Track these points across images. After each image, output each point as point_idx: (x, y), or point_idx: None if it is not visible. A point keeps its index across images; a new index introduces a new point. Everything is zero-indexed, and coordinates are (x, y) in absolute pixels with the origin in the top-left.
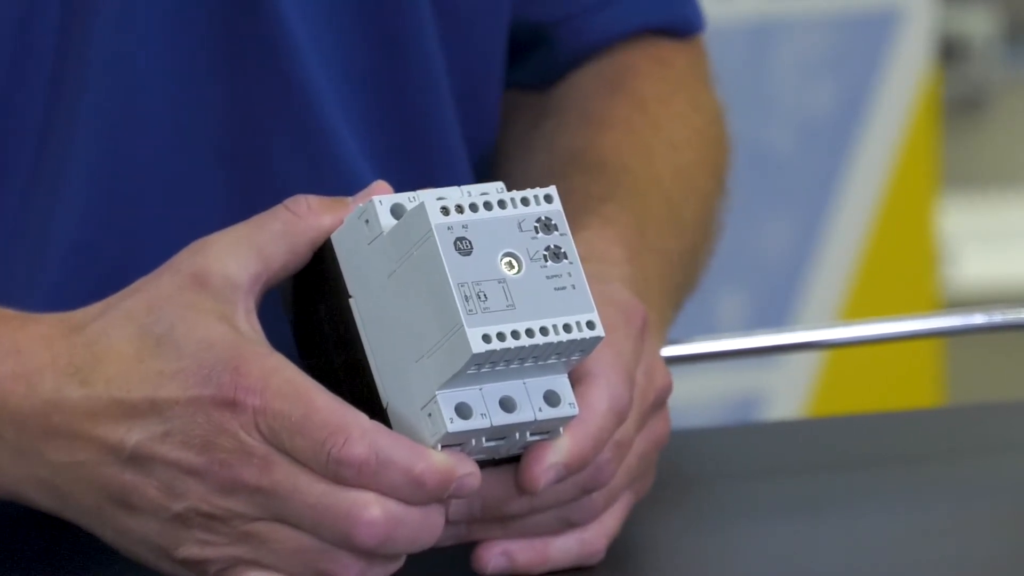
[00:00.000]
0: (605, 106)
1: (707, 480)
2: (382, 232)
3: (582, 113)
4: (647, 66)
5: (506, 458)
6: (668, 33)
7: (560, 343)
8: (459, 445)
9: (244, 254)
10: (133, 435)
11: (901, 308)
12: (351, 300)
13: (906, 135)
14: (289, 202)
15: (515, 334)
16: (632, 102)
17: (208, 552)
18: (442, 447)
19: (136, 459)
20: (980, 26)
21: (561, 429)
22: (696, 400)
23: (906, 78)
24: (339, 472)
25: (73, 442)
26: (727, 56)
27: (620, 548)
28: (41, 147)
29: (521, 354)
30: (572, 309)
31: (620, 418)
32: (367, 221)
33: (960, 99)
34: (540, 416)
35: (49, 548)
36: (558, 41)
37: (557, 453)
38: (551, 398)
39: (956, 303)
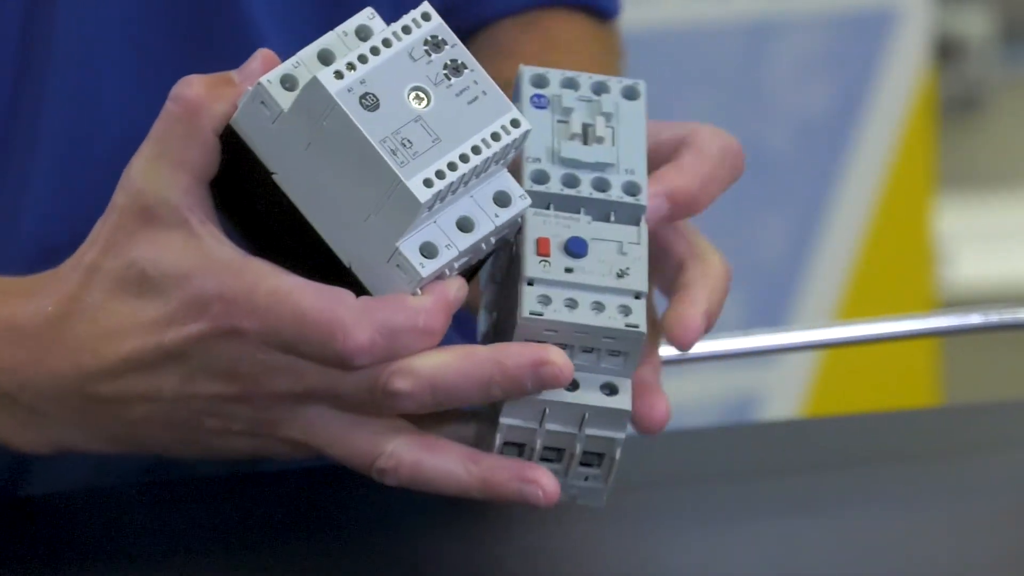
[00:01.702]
0: (515, 41)
1: (704, 480)
2: (283, 110)
3: (492, 47)
4: (562, 19)
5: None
6: (586, 11)
7: (495, 153)
8: (436, 279)
9: (166, 170)
10: (165, 382)
11: (898, 308)
12: (274, 176)
13: (903, 135)
14: (175, 94)
15: (451, 165)
16: (544, 39)
17: (282, 448)
18: (421, 288)
19: (179, 401)
20: (977, 26)
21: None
22: (693, 400)
23: (902, 78)
24: (353, 363)
25: (115, 405)
26: (724, 56)
27: (616, 548)
28: (4, 146)
29: (464, 179)
30: (492, 115)
31: (733, 164)
32: (263, 102)
33: (957, 99)
34: (498, 221)
35: (51, 548)
36: (467, 15)
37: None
38: (501, 199)
39: (953, 303)
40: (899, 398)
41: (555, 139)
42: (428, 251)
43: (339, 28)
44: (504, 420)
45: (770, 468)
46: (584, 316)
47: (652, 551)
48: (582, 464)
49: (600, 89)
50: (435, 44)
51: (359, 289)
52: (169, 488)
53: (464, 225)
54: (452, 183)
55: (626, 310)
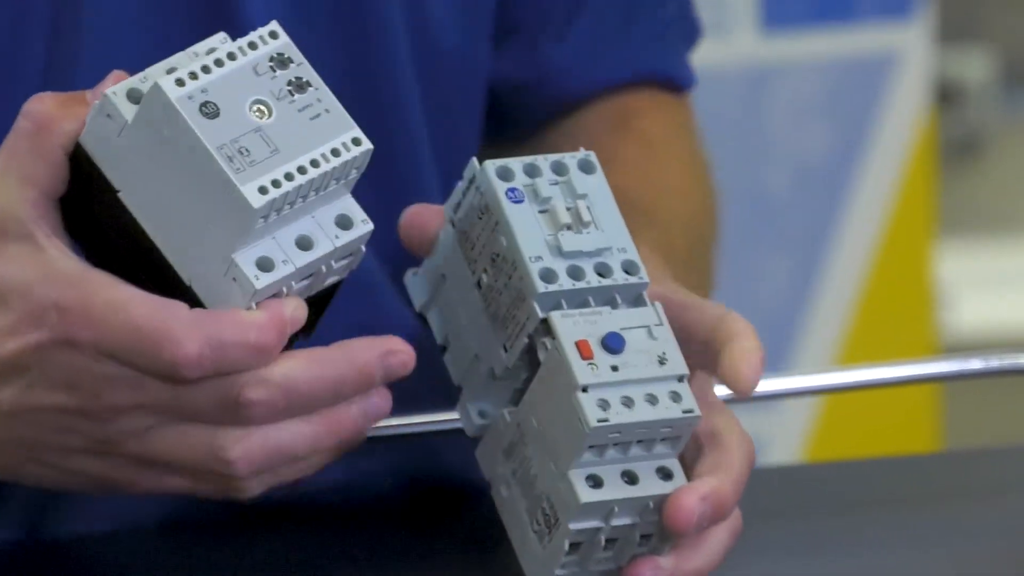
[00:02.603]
0: (612, 144)
1: None
2: (127, 122)
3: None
4: (649, 106)
5: (321, 297)
6: (661, 86)
7: (334, 168)
8: (273, 296)
9: (12, 185)
10: (4, 394)
11: (898, 353)
12: (119, 194)
13: (903, 179)
14: (26, 110)
15: (288, 176)
16: (639, 141)
17: (126, 472)
18: (256, 304)
19: (17, 414)
20: (977, 70)
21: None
22: None
23: (902, 122)
24: (181, 375)
25: None
26: (724, 99)
27: None
28: None
29: (301, 192)
30: (334, 133)
31: (751, 463)
32: (108, 115)
33: (957, 143)
34: (338, 243)
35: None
36: (542, 95)
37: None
38: (343, 222)
39: (953, 348)
40: (900, 443)
41: (544, 231)
42: (264, 265)
43: (191, 48)
44: (573, 525)
45: (771, 512)
46: (644, 412)
47: None
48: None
49: (559, 169)
50: (281, 61)
51: (199, 307)
52: (190, 530)
53: (303, 243)
54: (287, 193)
55: (676, 396)
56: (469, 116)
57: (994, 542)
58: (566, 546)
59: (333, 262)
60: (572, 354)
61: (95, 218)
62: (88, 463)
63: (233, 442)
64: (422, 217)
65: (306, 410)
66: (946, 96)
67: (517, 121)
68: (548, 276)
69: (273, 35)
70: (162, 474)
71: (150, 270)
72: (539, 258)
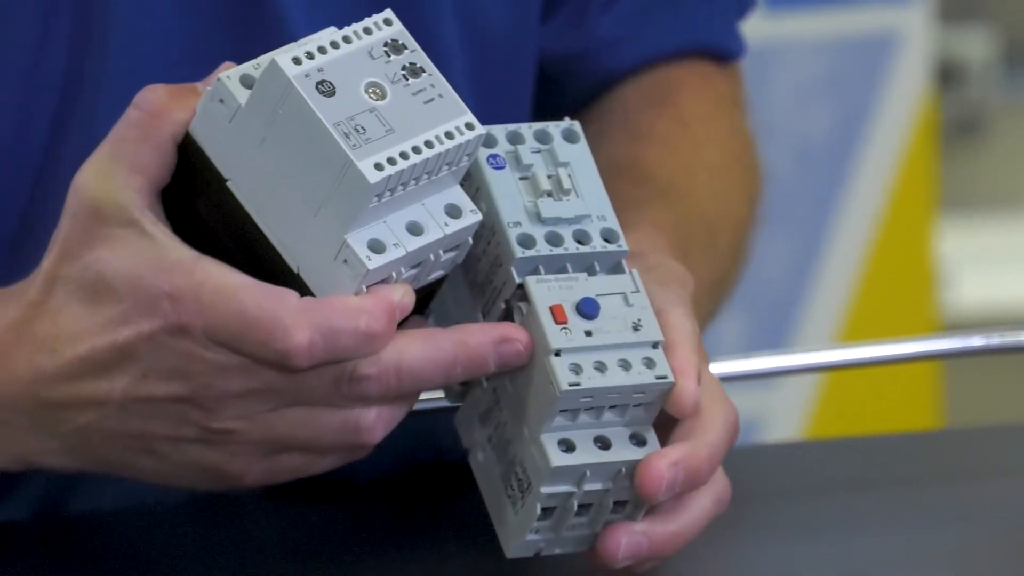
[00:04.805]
0: (647, 119)
1: None
2: (240, 105)
3: (625, 123)
4: (690, 82)
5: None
6: (708, 56)
7: (447, 151)
8: (381, 282)
9: (119, 173)
10: (116, 384)
11: (899, 330)
12: (229, 183)
13: (904, 158)
14: (139, 100)
15: (403, 155)
16: (675, 118)
17: (239, 462)
18: (366, 289)
19: (129, 405)
20: (978, 49)
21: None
22: None
23: (904, 101)
24: (292, 363)
25: (67, 410)
26: None
27: (614, 571)
28: (62, 139)
29: (415, 173)
30: (447, 117)
31: (733, 432)
32: (221, 100)
33: (958, 122)
34: (448, 231)
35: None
36: (590, 69)
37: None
38: (452, 211)
39: (954, 325)
40: (900, 420)
41: (524, 198)
42: (376, 247)
43: (301, 40)
44: (545, 489)
45: (771, 490)
46: (617, 377)
47: (648, 573)
48: (611, 512)
49: (543, 137)
50: (395, 47)
51: (308, 295)
52: (210, 506)
53: (414, 229)
54: (403, 171)
55: (650, 362)
56: (519, 97)
57: (994, 520)
58: (538, 510)
59: (441, 251)
60: (546, 318)
61: (194, 210)
62: (202, 453)
63: (363, 411)
64: None
65: (416, 388)
66: (947, 75)
67: (564, 97)
68: (526, 241)
69: (388, 22)
70: (280, 457)
71: (254, 261)
72: (518, 224)
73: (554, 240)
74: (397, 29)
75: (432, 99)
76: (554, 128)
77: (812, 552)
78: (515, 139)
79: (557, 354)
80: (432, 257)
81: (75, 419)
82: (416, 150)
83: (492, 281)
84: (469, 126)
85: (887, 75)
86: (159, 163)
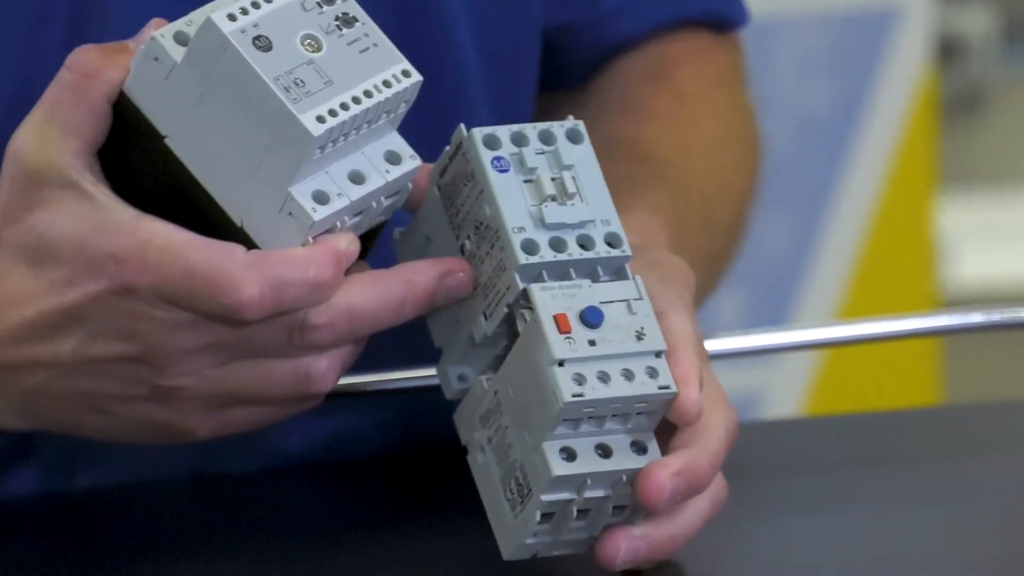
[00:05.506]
0: (646, 95)
1: None
2: (176, 62)
3: (623, 100)
4: (689, 57)
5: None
6: (709, 25)
7: (386, 100)
8: (326, 232)
9: (55, 136)
10: (64, 346)
11: (899, 307)
12: (167, 140)
13: (904, 134)
14: (70, 62)
15: (344, 106)
16: (673, 94)
17: (191, 417)
18: (312, 239)
19: (78, 366)
20: (978, 25)
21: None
22: None
23: (904, 77)
24: (243, 317)
25: (15, 372)
26: None
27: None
28: None
29: (355, 123)
30: (383, 65)
31: (732, 437)
32: (156, 58)
33: (958, 97)
34: (389, 177)
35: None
36: (593, 38)
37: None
38: (392, 158)
39: (954, 302)
40: (900, 397)
41: (528, 202)
42: (320, 198)
43: None
44: (545, 497)
45: (770, 467)
46: (620, 388)
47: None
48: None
49: (547, 138)
50: None
51: (254, 249)
52: (213, 483)
53: (356, 178)
54: (344, 123)
55: (653, 372)
56: (525, 64)
57: (994, 496)
58: (537, 516)
59: (383, 198)
60: (550, 328)
61: (133, 169)
62: (152, 410)
63: (314, 360)
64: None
65: (368, 331)
66: (947, 51)
67: (567, 68)
68: (530, 247)
69: None
70: (232, 410)
71: (196, 217)
72: (522, 229)
73: (558, 245)
74: None
75: (367, 48)
76: (558, 128)
77: (811, 528)
78: (519, 141)
79: (560, 364)
80: (374, 204)
81: (24, 381)
82: (356, 100)
83: (496, 285)
84: (406, 73)
85: (887, 50)
86: (94, 124)
